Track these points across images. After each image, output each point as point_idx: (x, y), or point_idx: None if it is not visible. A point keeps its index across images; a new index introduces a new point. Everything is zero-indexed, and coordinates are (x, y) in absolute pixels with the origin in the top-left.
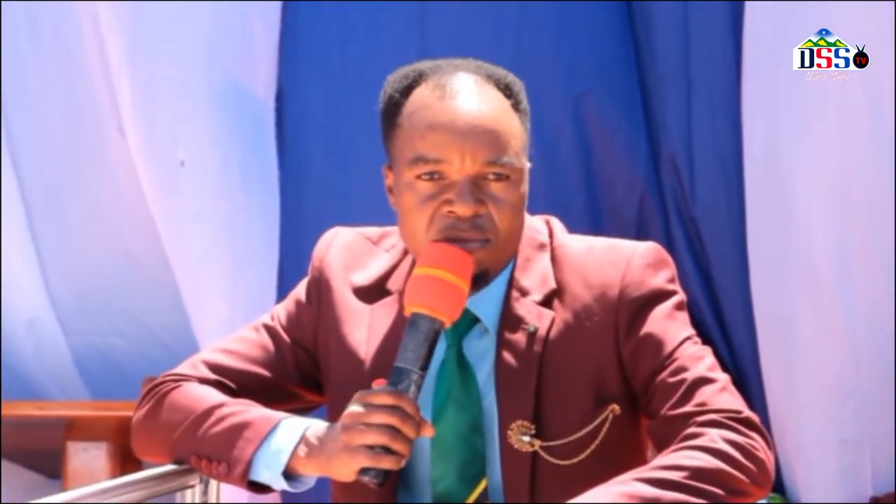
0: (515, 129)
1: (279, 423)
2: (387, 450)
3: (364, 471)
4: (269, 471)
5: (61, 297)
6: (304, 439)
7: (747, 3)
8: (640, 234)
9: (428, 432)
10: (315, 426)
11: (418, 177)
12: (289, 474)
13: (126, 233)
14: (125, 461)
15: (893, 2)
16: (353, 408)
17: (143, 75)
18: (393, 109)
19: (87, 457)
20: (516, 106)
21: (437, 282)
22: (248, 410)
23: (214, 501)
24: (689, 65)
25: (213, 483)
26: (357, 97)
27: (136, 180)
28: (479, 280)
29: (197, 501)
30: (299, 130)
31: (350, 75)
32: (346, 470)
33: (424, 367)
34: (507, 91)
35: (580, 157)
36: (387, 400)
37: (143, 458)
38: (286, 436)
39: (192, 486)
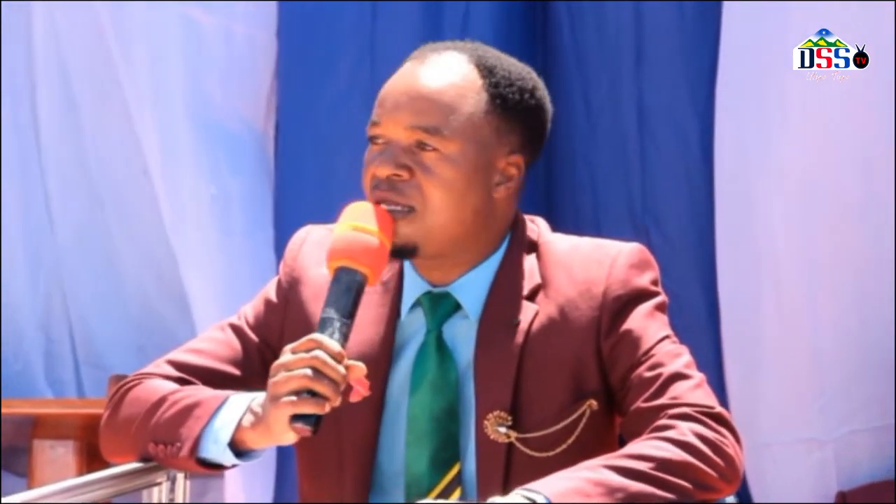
0: (468, 106)
1: (228, 399)
2: (313, 394)
3: (294, 419)
4: (216, 446)
5: (80, 329)
6: (249, 409)
7: (724, 8)
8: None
9: (358, 372)
10: (260, 397)
11: (369, 139)
12: (239, 450)
13: (144, 275)
14: (92, 459)
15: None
16: (280, 359)
17: (167, 116)
18: None
19: (54, 454)
20: (493, 92)
21: (352, 233)
22: (199, 392)
23: (181, 498)
24: (642, 80)
25: (179, 480)
26: (308, 113)
27: (154, 224)
28: (405, 252)
29: (164, 498)
30: (288, 158)
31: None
32: (278, 425)
33: (348, 316)
34: (486, 73)
35: None
36: (308, 344)
37: (111, 459)
38: (233, 410)
39: (159, 484)
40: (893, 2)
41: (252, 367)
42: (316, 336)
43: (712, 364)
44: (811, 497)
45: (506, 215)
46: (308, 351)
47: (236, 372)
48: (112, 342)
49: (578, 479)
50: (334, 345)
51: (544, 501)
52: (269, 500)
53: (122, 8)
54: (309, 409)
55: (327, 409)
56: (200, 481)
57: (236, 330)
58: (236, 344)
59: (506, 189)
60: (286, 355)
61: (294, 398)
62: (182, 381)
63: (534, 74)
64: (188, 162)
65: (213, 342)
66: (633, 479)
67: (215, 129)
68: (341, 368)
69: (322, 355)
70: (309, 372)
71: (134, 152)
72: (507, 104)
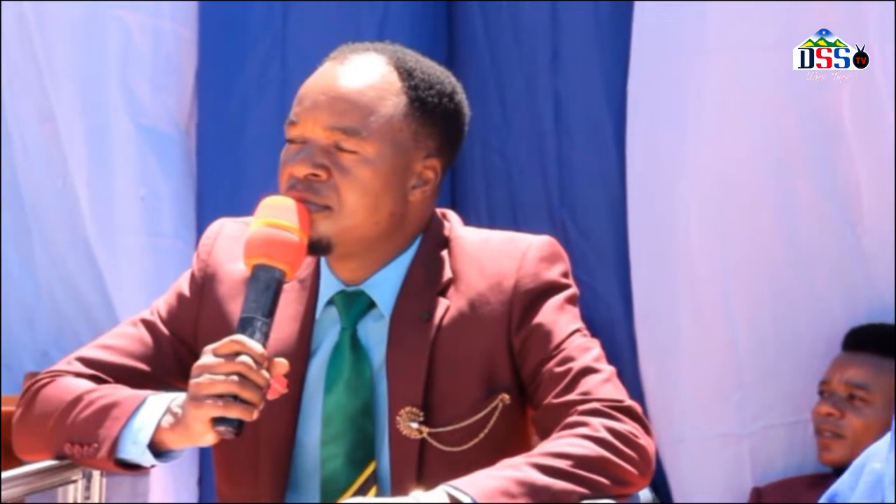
0: (387, 109)
1: (146, 400)
2: (237, 398)
3: (217, 423)
4: (135, 446)
5: None
6: (168, 410)
7: (636, 7)
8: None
9: (280, 369)
10: (180, 397)
11: (287, 139)
12: (158, 450)
13: (55, 279)
14: (5, 457)
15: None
16: (201, 360)
17: (95, 117)
18: None
19: None
20: (412, 95)
21: (269, 230)
22: (117, 392)
23: (97, 496)
24: (558, 78)
25: (95, 478)
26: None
27: (68, 229)
28: (319, 248)
29: (79, 497)
30: (205, 158)
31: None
32: (198, 425)
33: (268, 314)
34: (406, 76)
35: None
36: (232, 347)
37: (25, 457)
38: (152, 410)
39: (75, 482)
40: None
41: (164, 363)
42: (238, 337)
43: (628, 358)
44: (727, 492)
45: (420, 217)
46: (232, 354)
47: (147, 368)
48: (22, 344)
49: (503, 479)
50: (258, 347)
51: (469, 502)
52: (195, 500)
53: (46, 8)
54: (236, 413)
55: (255, 415)
56: (114, 481)
57: (148, 325)
58: (148, 339)
59: (422, 192)
60: (208, 356)
61: (220, 401)
62: (93, 378)
63: (452, 78)
64: (117, 164)
65: (124, 338)
66: (555, 477)
67: (144, 129)
68: (266, 373)
69: (248, 361)
70: (235, 378)
71: (56, 157)
72: (426, 108)
